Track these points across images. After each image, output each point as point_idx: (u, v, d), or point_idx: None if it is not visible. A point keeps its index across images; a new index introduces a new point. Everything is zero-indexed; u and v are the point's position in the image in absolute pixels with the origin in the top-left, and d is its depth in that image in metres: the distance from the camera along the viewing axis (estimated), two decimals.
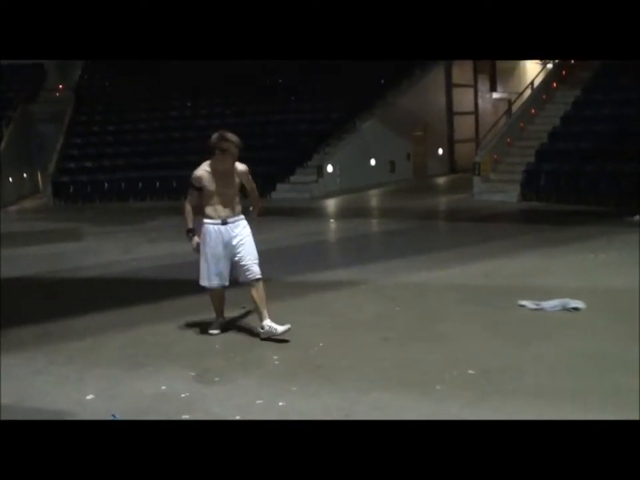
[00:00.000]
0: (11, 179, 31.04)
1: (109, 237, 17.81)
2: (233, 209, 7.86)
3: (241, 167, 7.89)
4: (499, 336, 7.78)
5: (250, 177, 8.09)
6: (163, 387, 6.53)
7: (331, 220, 20.95)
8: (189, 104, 32.33)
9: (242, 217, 7.96)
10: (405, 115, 29.83)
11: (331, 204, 24.28)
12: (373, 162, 28.99)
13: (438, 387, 6.21)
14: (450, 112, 33.36)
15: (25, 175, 32.98)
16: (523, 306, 8.76)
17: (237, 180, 7.89)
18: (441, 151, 33.01)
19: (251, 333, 8.04)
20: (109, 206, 26.92)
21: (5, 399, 6.35)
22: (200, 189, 7.82)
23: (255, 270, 7.84)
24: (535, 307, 8.68)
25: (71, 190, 29.37)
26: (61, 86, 35.92)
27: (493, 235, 14.86)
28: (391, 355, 7.23)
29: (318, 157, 27.70)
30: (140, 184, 28.26)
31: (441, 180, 30.64)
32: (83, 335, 8.50)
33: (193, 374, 6.87)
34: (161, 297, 10.09)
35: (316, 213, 21.82)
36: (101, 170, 29.48)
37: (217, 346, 7.70)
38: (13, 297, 11.11)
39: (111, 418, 5.72)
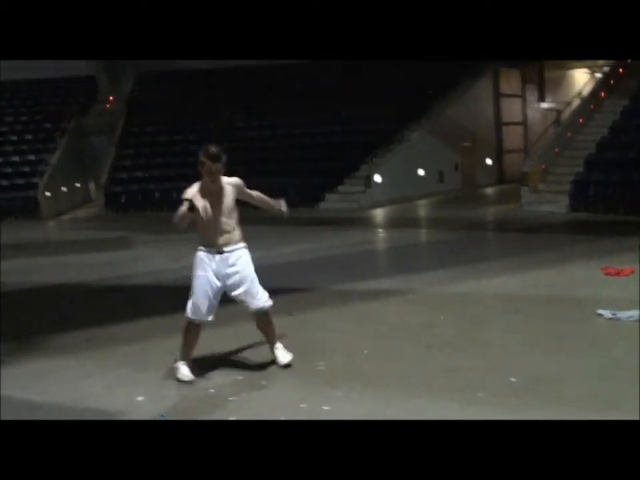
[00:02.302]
0: (64, 189, 31.66)
1: (159, 245, 18.12)
2: (229, 235, 7.01)
3: (231, 182, 7.05)
4: (543, 345, 7.81)
5: (247, 189, 7.22)
6: (211, 390, 6.70)
7: (379, 230, 21.05)
8: (240, 116, 32.62)
9: (240, 245, 7.10)
10: (453, 126, 29.83)
11: (379, 214, 24.38)
12: (421, 172, 29.02)
13: (480, 395, 6.28)
14: (498, 122, 33.25)
15: (77, 185, 33.59)
16: (600, 315, 8.67)
17: (231, 200, 7.00)
18: (489, 161, 32.89)
19: (296, 340, 8.15)
20: (160, 215, 27.23)
21: (57, 400, 6.57)
22: (191, 209, 6.80)
23: (257, 303, 7.13)
24: (611, 316, 8.61)
25: (123, 199, 29.89)
26: (111, 98, 36.49)
27: (540, 246, 14.85)
28: (434, 363, 7.31)
29: (366, 167, 27.80)
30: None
31: (489, 190, 30.56)
32: (132, 339, 8.75)
33: (241, 378, 7.02)
34: None
35: (364, 223, 21.94)
36: (151, 180, 29.94)
37: (264, 351, 7.84)
38: (65, 302, 11.42)
39: (160, 418, 5.89)
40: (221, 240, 6.94)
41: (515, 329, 8.54)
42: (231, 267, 6.96)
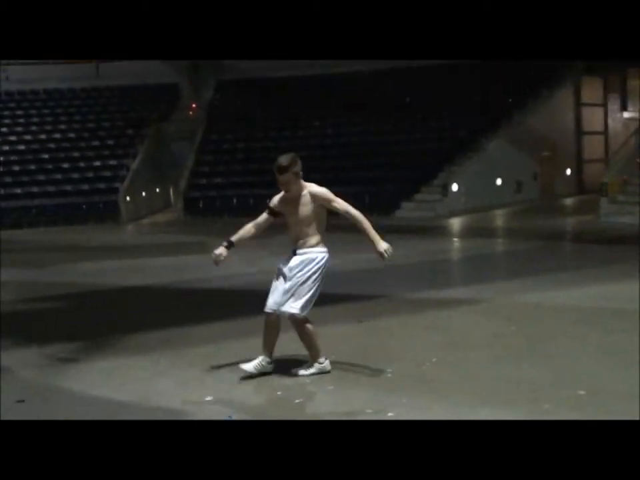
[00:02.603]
0: (144, 194, 32.32)
1: (235, 250, 18.26)
2: (304, 240, 7.17)
3: (313, 191, 7.18)
4: (614, 358, 7.73)
5: (333, 199, 7.16)
6: (279, 392, 6.81)
7: (454, 239, 21.00)
8: (316, 123, 32.85)
9: (313, 250, 7.18)
10: (532, 135, 29.58)
11: (455, 223, 24.31)
12: (499, 181, 28.84)
13: (546, 406, 6.24)
14: (579, 131, 32.87)
15: (157, 190, 34.26)
16: None
17: (307, 208, 7.14)
18: (569, 171, 32.54)
19: (365, 347, 8.21)
20: (238, 221, 27.42)
21: (130, 398, 6.77)
22: (272, 214, 7.41)
23: (287, 309, 7.19)
24: None
25: (201, 205, 30.40)
26: (194, 105, 37.09)
27: (616, 258, 14.65)
28: (502, 373, 7.29)
29: (443, 176, 27.81)
30: (268, 200, 28.71)
31: (569, 201, 30.21)
32: (204, 341, 8.96)
33: (308, 381, 7.12)
34: None
35: (439, 232, 21.93)
36: (230, 186, 30.38)
37: (332, 356, 7.89)
38: (141, 303, 11.73)
39: (227, 418, 6.02)
40: (297, 243, 7.19)
41: (585, 341, 8.46)
42: (292, 266, 7.15)
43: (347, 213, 7.16)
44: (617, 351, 7.98)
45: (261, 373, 7.23)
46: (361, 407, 6.37)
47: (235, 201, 29.83)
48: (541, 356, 7.88)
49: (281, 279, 7.24)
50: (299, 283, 7.11)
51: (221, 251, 7.42)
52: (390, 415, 6.13)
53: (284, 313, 7.21)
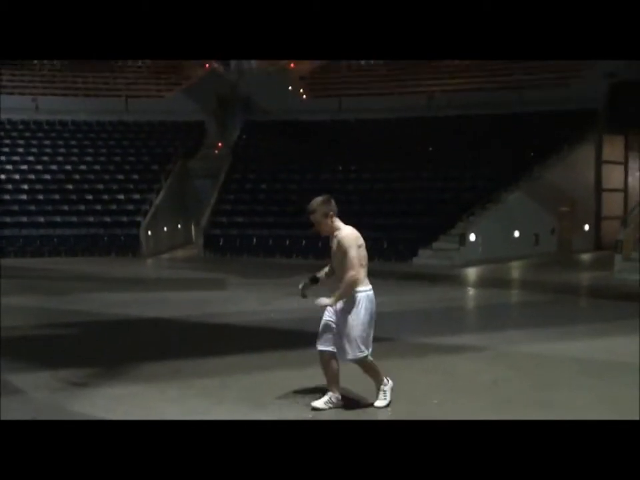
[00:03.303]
0: (165, 229, 32.76)
1: (252, 288, 18.73)
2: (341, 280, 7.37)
3: (340, 235, 7.41)
4: (609, 407, 7.91)
5: (346, 254, 7.27)
6: None
7: (468, 288, 21.21)
8: (340, 168, 33.26)
9: (356, 292, 7.36)
10: (552, 190, 29.73)
11: (471, 272, 24.49)
12: (516, 234, 28.97)
13: None
14: (598, 188, 33.02)
15: (179, 226, 34.69)
16: None
17: (334, 251, 7.44)
18: (587, 227, 32.64)
19: (369, 385, 8.42)
20: (256, 260, 28.01)
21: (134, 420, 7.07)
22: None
23: (344, 353, 7.46)
24: None
25: (221, 243, 30.74)
26: (220, 144, 37.65)
27: (625, 314, 14.75)
28: (496, 417, 7.49)
29: (461, 225, 27.93)
30: (287, 241, 29.17)
31: (586, 256, 30.29)
32: (212, 373, 9.25)
33: (310, 416, 7.36)
34: (290, 346, 10.66)
35: (454, 280, 22.12)
36: (250, 225, 30.73)
37: (334, 399, 8.08)
38: (156, 334, 12.06)
39: None
40: (338, 283, 7.41)
41: (583, 392, 8.64)
42: (339, 310, 7.41)
43: (343, 270, 7.30)
44: (615, 402, 8.16)
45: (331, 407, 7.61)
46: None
47: (254, 240, 30.17)
48: (538, 403, 8.08)
49: (334, 320, 7.47)
50: (352, 327, 7.35)
51: (305, 283, 7.75)
52: None
53: (346, 360, 7.50)
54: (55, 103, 36.67)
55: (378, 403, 7.71)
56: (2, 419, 7.19)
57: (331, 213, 7.40)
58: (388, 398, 7.74)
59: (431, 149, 32.70)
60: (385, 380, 7.79)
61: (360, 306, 7.38)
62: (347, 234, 7.38)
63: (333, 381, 7.68)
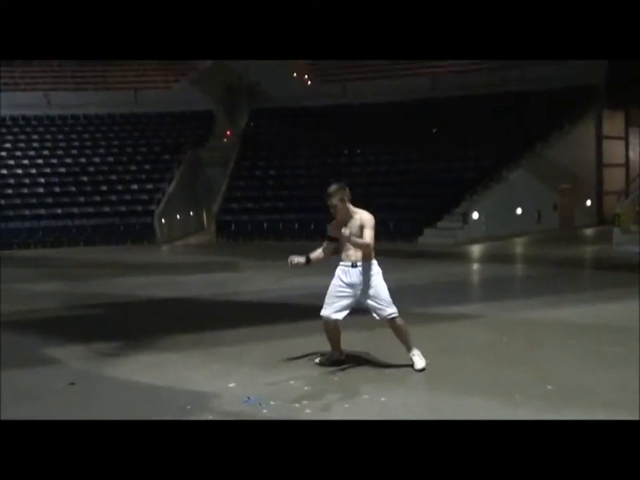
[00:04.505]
0: (178, 216, 33.71)
1: (264, 270, 19.72)
2: (356, 255, 8.27)
3: (361, 216, 8.31)
4: (588, 363, 8.79)
5: (367, 228, 8.22)
6: (292, 382, 8.00)
7: (470, 263, 22.10)
8: (345, 151, 34.07)
9: (367, 261, 8.31)
10: (554, 167, 30.47)
11: (474, 249, 25.34)
12: (519, 211, 29.75)
13: (517, 397, 7.36)
14: (599, 164, 33.74)
15: (191, 213, 35.62)
16: None
17: (356, 228, 8.23)
18: (589, 203, 33.39)
19: (373, 349, 9.32)
20: (267, 244, 28.96)
21: (165, 384, 8.02)
22: (331, 240, 8.56)
23: (380, 313, 8.42)
24: None
25: (233, 228, 31.70)
26: (228, 132, 38.49)
27: (618, 283, 15.54)
28: (484, 373, 8.40)
29: (465, 205, 28.72)
30: (296, 225, 30.05)
31: (587, 231, 31.03)
32: (230, 343, 10.27)
33: (316, 374, 8.30)
34: (300, 318, 11.55)
35: (457, 257, 23.00)
36: (261, 211, 31.68)
37: (342, 358, 9.03)
38: (176, 311, 13.12)
39: (245, 400, 7.24)
40: (349, 258, 8.34)
41: (567, 350, 9.52)
42: (359, 279, 8.30)
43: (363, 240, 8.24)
44: (595, 358, 9.05)
45: (330, 363, 8.64)
46: (360, 393, 7.56)
47: (265, 225, 31.12)
48: (524, 361, 8.96)
49: (346, 291, 8.36)
50: (382, 289, 8.38)
51: (298, 258, 8.52)
52: (382, 400, 7.29)
53: (384, 318, 8.47)
54: (66, 98, 37.63)
55: (418, 365, 8.46)
56: (46, 384, 8.22)
57: (346, 198, 8.37)
58: (423, 358, 8.55)
59: (434, 130, 33.44)
60: (415, 350, 8.64)
61: (378, 272, 8.44)
62: (370, 216, 8.36)
63: (336, 344, 8.70)
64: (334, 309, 8.40)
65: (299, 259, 8.52)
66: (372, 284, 8.34)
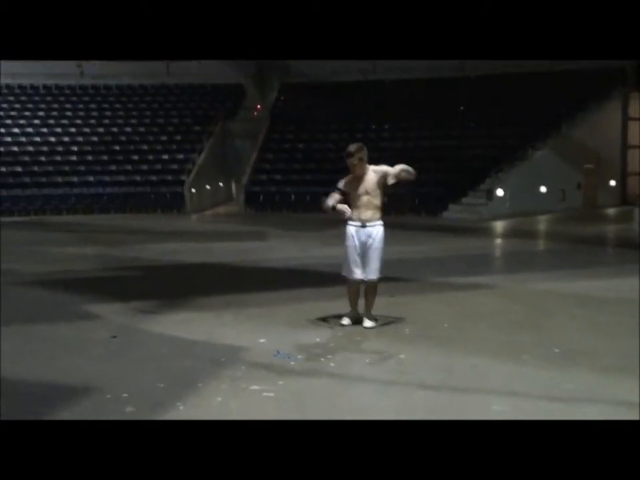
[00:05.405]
0: (208, 187, 34.39)
1: (291, 239, 20.44)
2: (371, 213, 9.08)
3: (375, 169, 9.14)
4: (594, 330, 9.37)
5: (388, 168, 9.12)
6: (317, 339, 8.65)
7: (492, 238, 22.63)
8: (373, 127, 34.55)
9: (377, 223, 9.13)
10: (579, 147, 30.80)
11: (497, 225, 25.86)
12: (543, 189, 30.10)
13: (524, 357, 7.96)
14: (624, 145, 33.96)
15: (220, 184, 36.27)
16: None
17: (372, 184, 9.04)
18: (613, 183, 33.64)
19: (392, 313, 9.93)
20: (294, 215, 29.62)
21: (200, 338, 8.71)
22: (341, 193, 9.25)
23: (368, 274, 9.17)
24: None
25: (261, 199, 32.37)
26: (259, 106, 39.03)
27: (634, 260, 15.88)
28: (496, 337, 8.99)
29: (490, 181, 29.15)
30: (324, 198, 30.38)
31: (610, 211, 31.37)
32: (259, 304, 10.96)
33: (340, 334, 8.95)
34: (325, 284, 12.18)
35: (480, 232, 23.57)
36: (289, 183, 32.34)
37: (355, 314, 9.64)
38: (207, 275, 13.87)
39: (275, 354, 7.89)
40: (363, 216, 9.10)
41: (575, 319, 10.10)
42: (369, 238, 9.07)
43: (400, 172, 9.15)
44: (600, 326, 9.63)
45: (353, 322, 9.31)
46: (379, 350, 8.20)
47: (293, 197, 31.75)
48: (533, 326, 9.55)
49: (359, 250, 9.13)
50: (377, 254, 9.12)
51: (342, 207, 9.18)
52: (401, 357, 7.92)
53: (368, 279, 9.20)
54: (100, 69, 38.08)
55: (368, 324, 9.20)
56: (89, 336, 8.93)
57: (365, 157, 9.14)
58: (373, 322, 9.26)
59: (462, 107, 33.82)
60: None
61: (381, 235, 9.19)
62: (380, 166, 9.27)
63: (357, 301, 9.47)
64: (361, 269, 9.18)
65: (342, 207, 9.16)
66: (372, 247, 9.10)
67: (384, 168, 9.21)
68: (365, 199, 9.10)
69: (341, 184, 9.33)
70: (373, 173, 9.12)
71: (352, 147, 9.14)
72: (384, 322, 9.45)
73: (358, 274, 9.22)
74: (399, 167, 9.19)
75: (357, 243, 9.16)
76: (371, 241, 9.10)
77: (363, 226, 9.11)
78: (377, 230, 9.14)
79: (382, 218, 9.25)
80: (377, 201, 9.17)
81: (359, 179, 9.11)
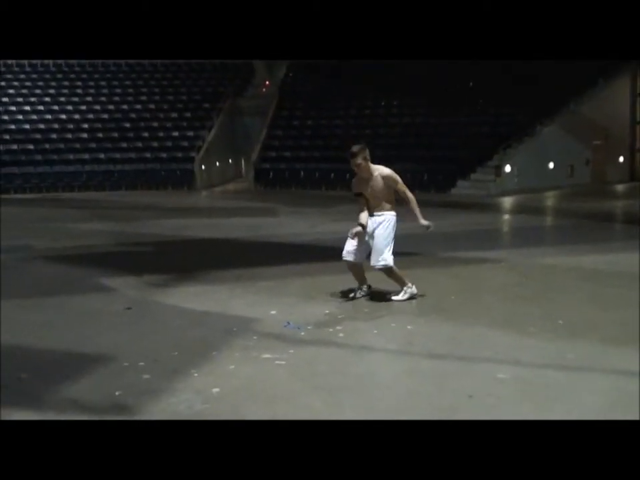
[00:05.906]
0: (217, 164, 34.63)
1: (300, 215, 20.65)
2: (379, 208, 9.24)
3: (382, 173, 9.21)
4: (595, 302, 9.55)
5: (399, 181, 9.21)
6: (327, 311, 8.88)
7: (499, 214, 22.79)
8: (382, 103, 34.66)
9: (385, 212, 9.26)
10: (587, 123, 30.85)
11: (505, 201, 26.01)
12: (551, 165, 30.23)
13: (531, 329, 8.16)
14: (633, 121, 34.00)
15: (230, 161, 36.51)
16: None
17: (378, 185, 9.18)
18: (622, 159, 33.72)
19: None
20: (303, 192, 29.82)
21: (212, 309, 8.94)
22: (359, 195, 9.33)
23: (371, 261, 9.33)
24: None
25: (270, 176, 32.63)
26: (267, 82, 39.16)
27: (635, 235, 16.08)
28: (502, 309, 9.19)
29: (498, 158, 29.27)
30: (332, 174, 30.80)
31: (619, 187, 31.44)
32: (270, 278, 11.18)
33: (350, 307, 9.17)
34: (333, 258, 12.32)
35: (488, 208, 23.74)
36: (298, 160, 32.53)
37: (365, 289, 9.83)
38: (218, 250, 14.16)
39: (285, 324, 8.12)
40: (374, 211, 9.29)
41: (579, 291, 10.27)
42: (372, 226, 9.24)
43: (404, 193, 9.27)
44: (603, 299, 9.80)
45: (362, 296, 9.61)
46: (387, 322, 8.42)
47: (302, 173, 31.97)
48: (538, 299, 9.74)
49: (362, 238, 9.27)
50: (380, 240, 9.22)
51: (357, 229, 9.22)
52: (409, 328, 8.14)
53: (375, 267, 9.36)
54: None
55: (395, 297, 9.48)
56: (104, 308, 9.17)
57: (368, 157, 9.22)
58: (407, 297, 9.50)
59: (471, 84, 33.88)
60: (410, 284, 9.59)
61: (393, 223, 9.34)
62: (390, 170, 9.32)
63: (363, 279, 9.68)
64: (354, 254, 9.41)
65: (357, 230, 9.25)
66: (376, 234, 9.25)
67: (393, 177, 9.26)
68: (373, 200, 9.29)
69: (354, 187, 9.46)
70: (380, 176, 9.21)
71: (355, 148, 9.23)
72: (393, 294, 9.67)
73: (347, 257, 9.43)
74: (404, 189, 9.28)
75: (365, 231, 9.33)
76: (375, 226, 9.27)
77: (371, 215, 9.29)
78: (383, 217, 9.29)
79: (394, 208, 9.38)
80: (385, 198, 9.30)
81: (367, 180, 9.24)
